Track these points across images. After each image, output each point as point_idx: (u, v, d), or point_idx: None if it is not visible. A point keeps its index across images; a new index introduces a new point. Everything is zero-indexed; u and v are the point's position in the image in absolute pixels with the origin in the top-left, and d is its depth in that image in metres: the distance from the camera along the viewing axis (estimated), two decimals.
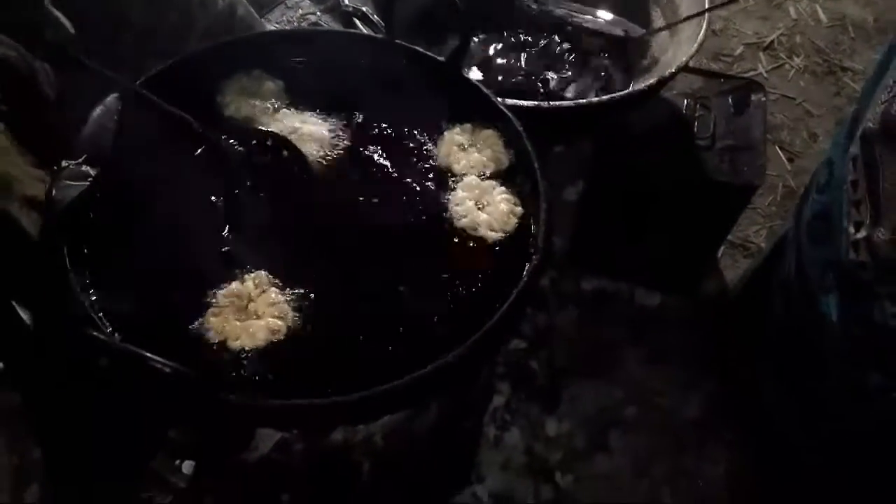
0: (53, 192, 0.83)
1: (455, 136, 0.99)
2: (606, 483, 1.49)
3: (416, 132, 1.02)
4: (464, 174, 0.97)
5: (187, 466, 1.23)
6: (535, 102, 1.19)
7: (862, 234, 0.84)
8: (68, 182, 0.84)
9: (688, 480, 1.49)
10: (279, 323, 0.80)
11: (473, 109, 1.00)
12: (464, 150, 0.98)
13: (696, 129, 1.48)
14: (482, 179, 0.96)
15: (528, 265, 0.86)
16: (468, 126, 1.00)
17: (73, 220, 0.81)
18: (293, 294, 0.83)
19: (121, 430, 1.06)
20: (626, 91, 1.23)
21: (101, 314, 0.77)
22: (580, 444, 1.53)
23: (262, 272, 0.85)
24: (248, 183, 0.91)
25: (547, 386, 1.59)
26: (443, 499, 1.37)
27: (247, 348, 0.79)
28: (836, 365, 1.01)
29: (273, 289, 0.83)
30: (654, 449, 1.53)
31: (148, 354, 0.65)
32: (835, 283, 0.97)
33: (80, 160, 0.86)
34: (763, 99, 1.55)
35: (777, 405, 1.29)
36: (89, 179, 0.85)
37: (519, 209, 0.94)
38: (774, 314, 1.21)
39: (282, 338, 0.80)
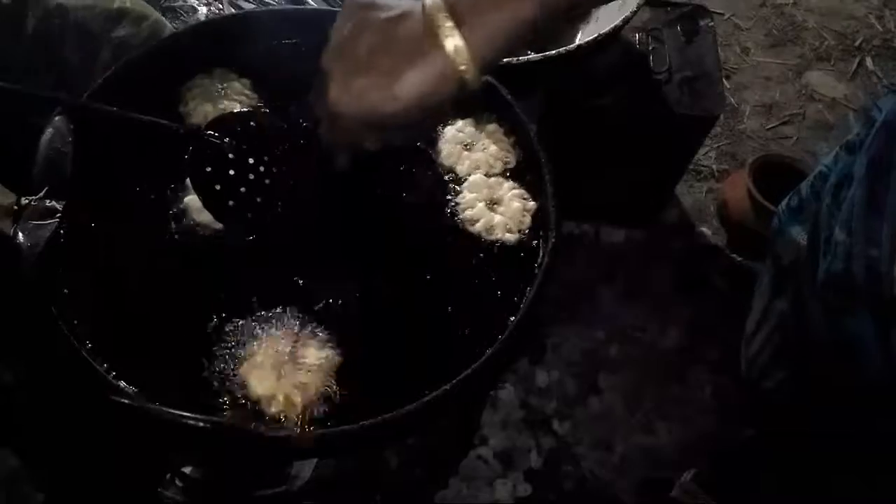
0: (20, 236, 0.73)
1: (457, 134, 0.91)
2: (602, 423, 1.52)
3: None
4: (469, 175, 0.89)
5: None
6: (505, 60, 1.13)
7: None
8: (34, 223, 0.75)
9: (678, 408, 1.54)
10: (283, 410, 0.69)
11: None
12: (468, 148, 0.91)
13: (652, 64, 1.46)
14: (489, 177, 0.89)
15: (545, 245, 0.83)
16: (469, 121, 0.92)
17: (53, 266, 0.72)
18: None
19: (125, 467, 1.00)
20: (594, 36, 1.18)
21: (107, 367, 0.69)
22: (571, 390, 1.55)
23: (334, 354, 0.74)
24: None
25: (531, 338, 1.59)
26: (452, 466, 1.37)
27: (249, 392, 0.70)
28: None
29: (327, 384, 0.72)
30: (641, 383, 1.57)
31: (185, 414, 0.59)
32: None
33: (42, 194, 0.77)
34: (711, 24, 1.55)
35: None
36: (57, 215, 0.76)
37: (532, 204, 0.87)
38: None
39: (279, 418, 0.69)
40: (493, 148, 0.91)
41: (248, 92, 0.92)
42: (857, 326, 0.93)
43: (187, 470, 1.06)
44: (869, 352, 0.92)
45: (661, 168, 1.60)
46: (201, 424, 0.58)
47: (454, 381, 0.72)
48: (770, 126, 1.99)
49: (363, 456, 1.00)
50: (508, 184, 0.89)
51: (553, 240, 0.83)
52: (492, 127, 0.93)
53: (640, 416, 1.53)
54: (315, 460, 0.87)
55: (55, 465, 0.96)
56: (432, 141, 0.92)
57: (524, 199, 0.88)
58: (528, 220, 0.87)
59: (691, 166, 1.88)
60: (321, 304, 0.78)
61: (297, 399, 0.69)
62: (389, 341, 0.78)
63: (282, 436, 0.64)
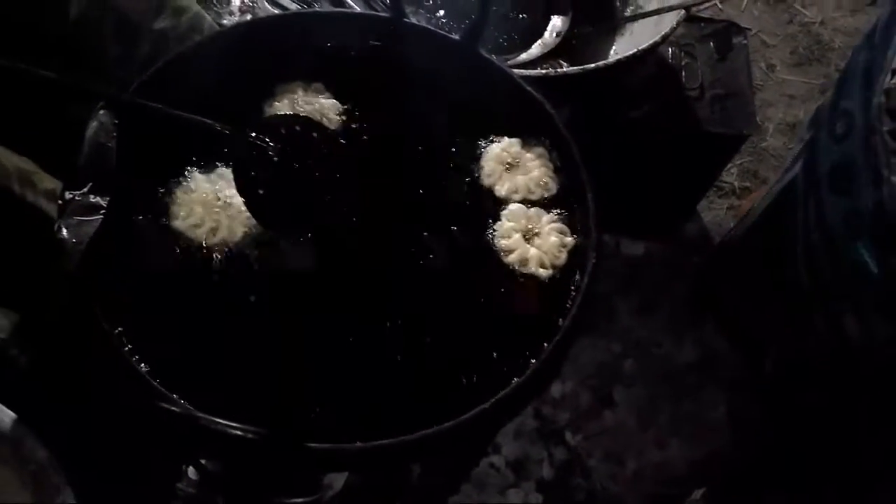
0: (64, 232, 0.72)
1: (501, 153, 0.89)
2: (615, 438, 1.52)
3: (453, 141, 0.92)
4: (507, 198, 0.88)
5: (193, 471, 1.18)
6: (543, 71, 1.13)
7: None
8: (78, 218, 0.74)
9: (691, 425, 1.54)
10: None
11: (516, 113, 0.91)
12: (509, 169, 0.89)
13: (684, 80, 1.45)
14: (528, 206, 0.87)
15: (587, 264, 0.82)
16: (516, 141, 0.90)
17: (97, 264, 0.72)
18: None
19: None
20: (632, 52, 1.18)
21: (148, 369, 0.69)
22: (585, 402, 1.55)
23: None
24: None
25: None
26: (464, 473, 1.37)
27: None
28: (871, 310, 1.03)
29: None
30: (655, 399, 1.57)
31: (231, 424, 0.59)
32: (869, 231, 0.98)
33: (86, 189, 0.76)
34: (744, 41, 1.54)
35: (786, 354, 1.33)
36: (101, 212, 0.75)
37: (570, 240, 0.85)
38: (790, 265, 1.22)
39: None
40: (535, 173, 0.89)
41: (333, 115, 0.91)
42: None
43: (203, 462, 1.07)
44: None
45: (686, 183, 1.59)
46: (250, 436, 0.58)
47: (491, 402, 0.72)
48: (793, 145, 1.98)
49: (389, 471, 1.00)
50: (548, 216, 0.87)
51: (590, 272, 0.82)
52: (539, 150, 0.90)
53: (654, 432, 1.53)
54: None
55: (81, 457, 0.96)
56: (476, 157, 0.91)
57: (562, 233, 0.86)
58: (564, 256, 0.85)
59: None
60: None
61: None
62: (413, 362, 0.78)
63: (326, 447, 0.64)
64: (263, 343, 0.76)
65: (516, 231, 0.86)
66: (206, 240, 0.82)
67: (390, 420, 0.70)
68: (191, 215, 0.83)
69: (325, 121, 0.89)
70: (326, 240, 0.82)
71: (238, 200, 0.81)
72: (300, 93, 0.90)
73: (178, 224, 0.83)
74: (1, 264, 0.89)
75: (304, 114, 0.88)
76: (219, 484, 1.04)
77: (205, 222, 0.82)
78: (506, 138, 0.91)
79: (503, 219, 0.87)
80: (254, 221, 0.81)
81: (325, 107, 0.90)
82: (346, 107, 0.91)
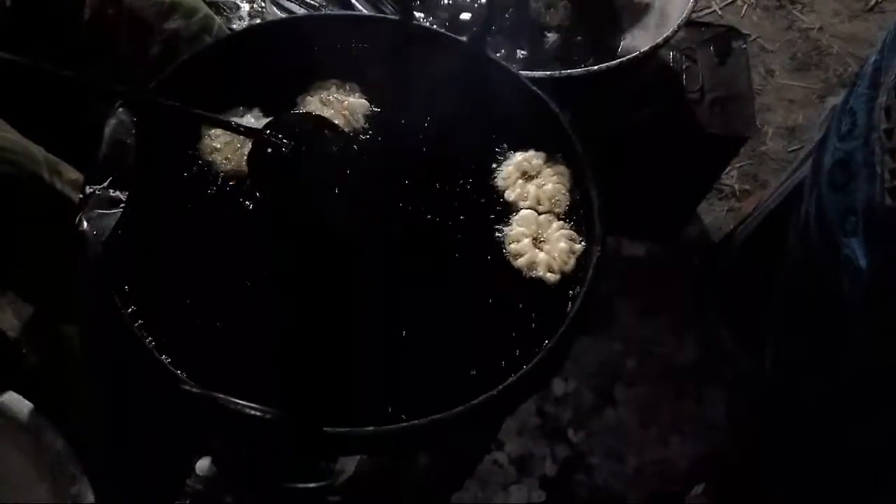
0: (85, 224, 0.75)
1: (523, 162, 0.92)
2: (616, 435, 1.54)
3: (472, 141, 0.95)
4: (515, 203, 0.90)
5: (202, 467, 1.20)
6: (548, 73, 1.15)
7: None
8: (99, 212, 0.76)
9: (692, 424, 1.56)
10: None
11: (522, 112, 0.94)
12: (526, 178, 0.91)
13: (684, 83, 1.48)
14: (539, 213, 0.89)
15: (593, 259, 0.85)
16: (541, 154, 0.93)
17: (118, 258, 0.74)
18: None
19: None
20: (638, 52, 1.20)
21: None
22: (587, 400, 1.57)
23: None
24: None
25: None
26: (467, 469, 1.39)
27: None
28: (859, 309, 1.06)
29: None
30: (656, 398, 1.59)
31: (251, 405, 0.61)
32: (860, 227, 1.01)
33: (105, 184, 0.78)
34: (744, 46, 1.57)
35: (783, 351, 1.35)
36: (121, 205, 0.77)
37: (578, 247, 0.88)
38: (790, 261, 1.24)
39: None
40: (549, 187, 0.91)
41: (360, 114, 0.94)
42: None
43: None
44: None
45: (686, 186, 1.62)
46: (267, 416, 0.60)
47: (499, 388, 0.74)
48: (792, 149, 2.01)
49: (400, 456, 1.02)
50: (558, 223, 0.89)
51: (599, 253, 0.85)
52: (560, 167, 0.93)
53: (655, 430, 1.55)
54: (358, 457, 0.89)
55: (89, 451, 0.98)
56: (497, 160, 0.94)
57: (571, 240, 0.88)
58: (572, 262, 0.87)
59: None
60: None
61: None
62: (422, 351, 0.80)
63: (340, 431, 0.66)
64: (279, 328, 0.78)
65: (526, 236, 0.88)
66: (206, 153, 0.88)
67: (402, 406, 0.73)
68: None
69: (351, 119, 0.92)
70: (338, 229, 0.85)
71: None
72: (333, 90, 0.94)
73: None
74: (25, 253, 0.91)
75: (331, 109, 0.91)
76: (231, 470, 1.06)
77: (217, 138, 0.89)
78: (532, 150, 0.94)
79: (514, 224, 0.89)
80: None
81: (353, 105, 0.93)
82: (373, 106, 0.95)
